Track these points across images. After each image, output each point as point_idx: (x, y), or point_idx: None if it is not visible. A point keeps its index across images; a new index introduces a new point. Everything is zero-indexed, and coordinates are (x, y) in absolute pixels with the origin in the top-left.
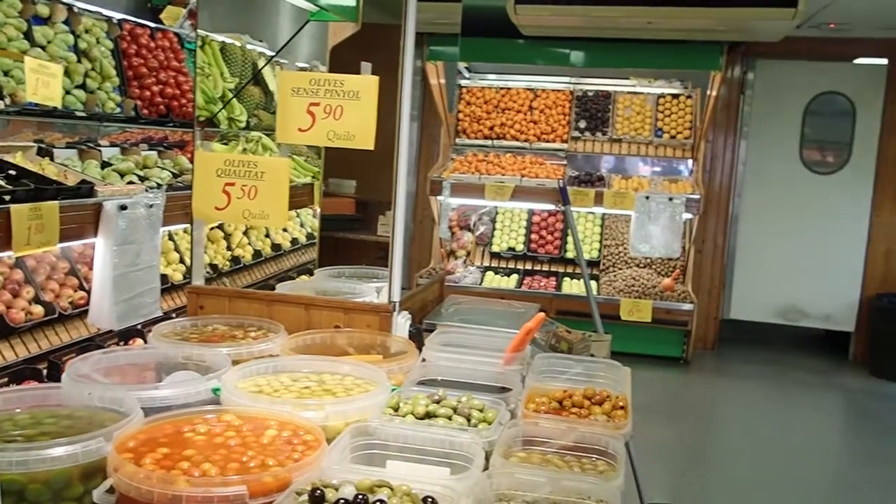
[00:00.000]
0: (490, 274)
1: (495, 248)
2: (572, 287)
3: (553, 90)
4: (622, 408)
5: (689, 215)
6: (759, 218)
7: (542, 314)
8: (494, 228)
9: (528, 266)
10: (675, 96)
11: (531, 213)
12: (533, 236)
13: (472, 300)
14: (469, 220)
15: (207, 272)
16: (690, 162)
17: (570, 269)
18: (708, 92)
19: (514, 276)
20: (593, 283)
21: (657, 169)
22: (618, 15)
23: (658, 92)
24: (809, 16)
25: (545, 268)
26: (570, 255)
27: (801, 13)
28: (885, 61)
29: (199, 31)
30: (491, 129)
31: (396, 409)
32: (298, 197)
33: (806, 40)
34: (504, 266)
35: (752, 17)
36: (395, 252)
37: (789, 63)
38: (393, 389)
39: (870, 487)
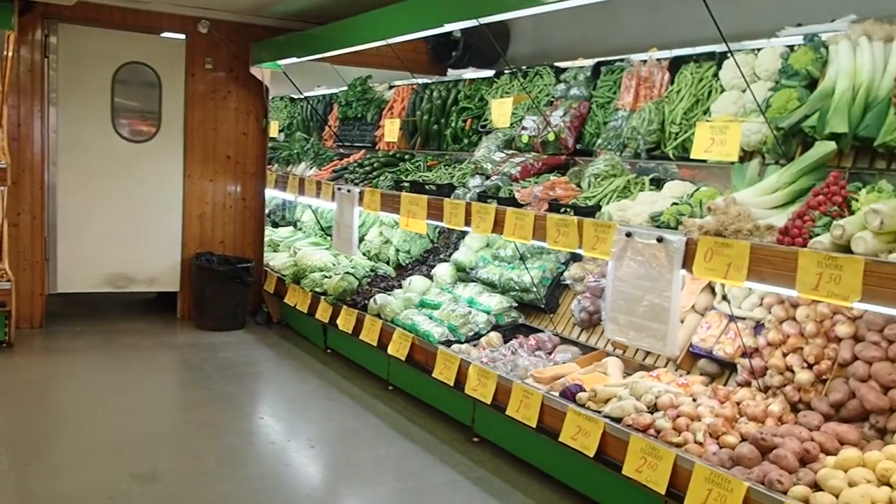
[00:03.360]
0: None
1: None
2: None
3: None
4: None
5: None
6: (79, 187)
7: None
8: None
9: None
10: None
11: None
12: None
13: None
14: None
15: None
16: None
17: None
18: (4, 53)
19: None
20: None
21: None
22: None
23: None
24: None
25: None
26: None
27: None
28: (183, 36)
29: None
30: None
31: None
32: None
33: (112, 9)
34: None
35: None
36: None
37: (96, 31)
38: None
39: (193, 429)
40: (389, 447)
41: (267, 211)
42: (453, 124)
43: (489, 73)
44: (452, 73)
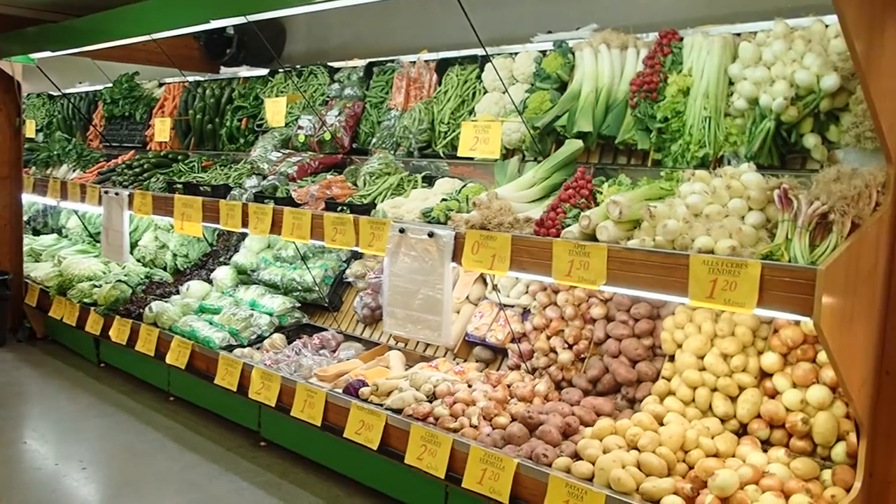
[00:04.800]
0: None
1: None
2: None
3: None
4: None
5: None
6: None
7: None
8: None
9: None
10: None
11: None
12: None
13: None
14: None
15: None
16: None
17: None
18: None
19: None
20: None
21: None
22: None
23: None
24: None
25: None
26: None
27: None
28: None
29: None
30: None
31: None
32: None
33: None
34: None
35: None
36: None
37: None
38: None
39: None
40: (171, 461)
41: (26, 218)
42: (228, 123)
43: (263, 71)
44: (226, 72)
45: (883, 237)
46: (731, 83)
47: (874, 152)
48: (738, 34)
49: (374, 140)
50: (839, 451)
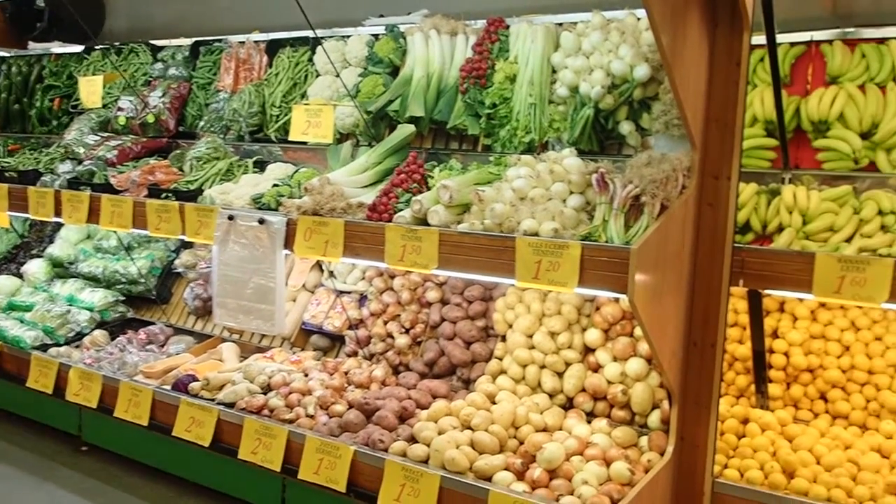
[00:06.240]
0: None
1: None
2: None
3: None
4: None
5: None
6: None
7: None
8: None
9: None
10: None
11: None
12: None
13: None
14: None
15: None
16: None
17: None
18: None
19: None
20: None
21: None
22: None
23: None
24: None
25: None
26: None
27: None
28: None
29: None
30: None
31: None
32: None
33: None
34: None
35: None
36: None
37: None
38: None
39: None
40: None
41: None
42: (39, 104)
43: (78, 48)
44: (35, 47)
45: (689, 218)
46: (554, 71)
47: (681, 139)
48: (561, 24)
49: (201, 123)
50: (654, 418)
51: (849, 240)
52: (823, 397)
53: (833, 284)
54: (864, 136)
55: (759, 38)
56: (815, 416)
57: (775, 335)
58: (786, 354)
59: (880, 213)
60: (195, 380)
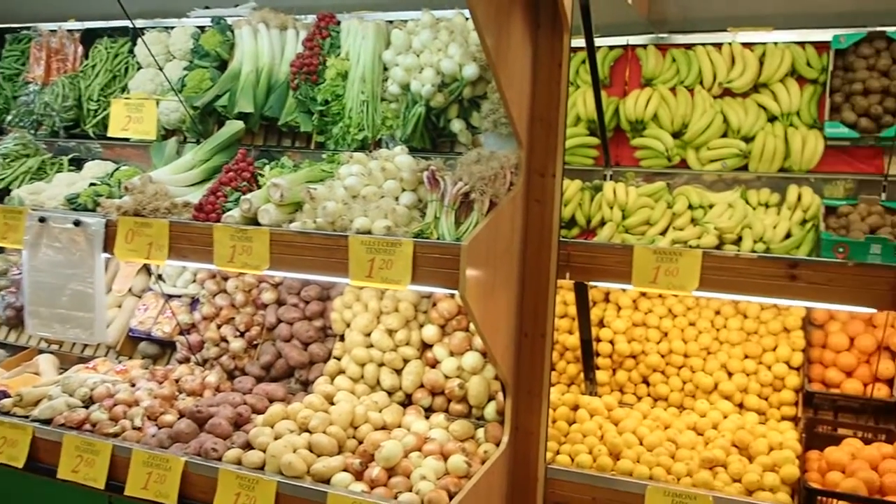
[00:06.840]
0: None
1: None
2: None
3: None
4: None
5: None
6: None
7: None
8: None
9: None
10: None
11: None
12: None
13: None
14: None
15: None
16: None
17: None
18: None
19: None
20: None
21: None
22: None
23: None
24: None
25: None
26: None
27: None
28: None
29: None
30: None
31: None
32: None
33: None
34: None
35: None
36: None
37: None
38: None
39: None
40: None
41: None
42: None
43: None
44: None
45: (517, 214)
46: (386, 69)
47: (509, 137)
48: (392, 21)
49: (9, 118)
50: (490, 410)
51: (663, 232)
52: (646, 381)
53: (649, 275)
54: (676, 135)
55: (581, 41)
56: (639, 399)
57: (601, 324)
58: (611, 342)
59: (690, 207)
60: (6, 396)
